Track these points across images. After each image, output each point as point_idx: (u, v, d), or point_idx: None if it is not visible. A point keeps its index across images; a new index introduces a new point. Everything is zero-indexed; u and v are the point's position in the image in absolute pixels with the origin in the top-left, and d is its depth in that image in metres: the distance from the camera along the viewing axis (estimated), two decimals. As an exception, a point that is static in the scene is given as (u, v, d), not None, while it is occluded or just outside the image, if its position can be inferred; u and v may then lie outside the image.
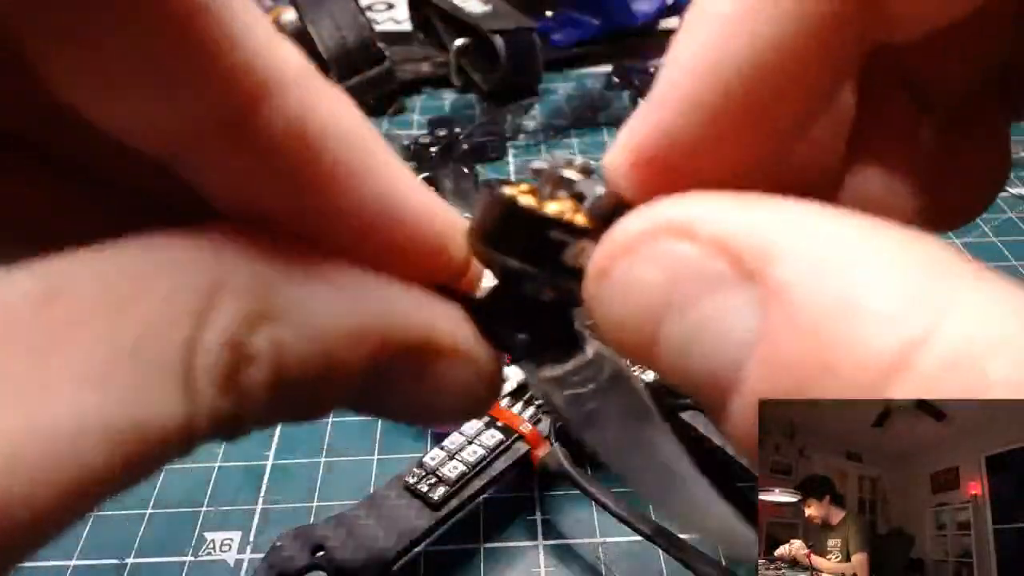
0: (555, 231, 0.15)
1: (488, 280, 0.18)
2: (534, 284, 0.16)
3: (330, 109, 0.14)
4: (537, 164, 0.16)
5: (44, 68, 0.13)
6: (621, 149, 0.16)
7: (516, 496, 0.37)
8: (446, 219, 0.16)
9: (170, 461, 0.13)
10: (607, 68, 0.72)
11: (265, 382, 0.13)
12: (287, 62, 0.14)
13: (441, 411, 0.17)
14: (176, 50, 0.12)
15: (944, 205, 0.23)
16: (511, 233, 0.16)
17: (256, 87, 0.13)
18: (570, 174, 0.16)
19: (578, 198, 0.16)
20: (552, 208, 0.16)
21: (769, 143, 0.16)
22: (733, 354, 0.12)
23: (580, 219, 0.15)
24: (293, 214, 0.15)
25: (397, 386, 0.16)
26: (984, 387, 0.10)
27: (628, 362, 0.16)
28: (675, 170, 0.15)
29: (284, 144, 0.14)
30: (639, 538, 0.31)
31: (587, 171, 0.16)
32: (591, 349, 0.17)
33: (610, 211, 0.15)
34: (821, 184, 0.19)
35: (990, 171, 0.22)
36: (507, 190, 0.16)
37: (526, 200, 0.16)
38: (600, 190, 0.16)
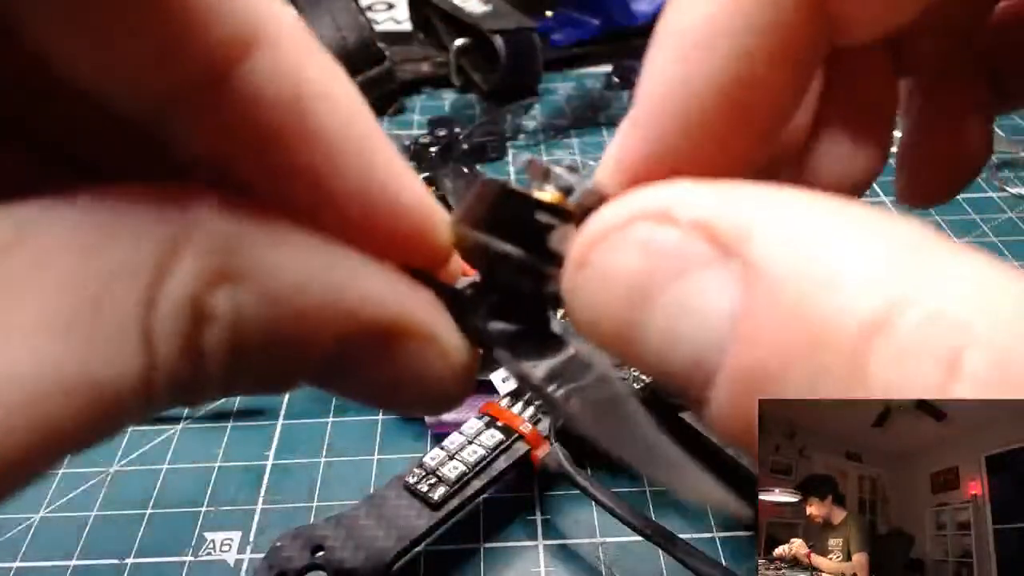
0: (542, 213, 0.15)
1: (466, 280, 0.18)
2: (516, 270, 0.16)
3: (320, 72, 0.14)
4: (528, 156, 0.17)
5: (12, 14, 0.12)
6: (611, 169, 0.16)
7: (516, 496, 0.37)
8: (430, 203, 0.16)
9: (130, 422, 0.12)
10: (607, 68, 0.72)
11: (224, 344, 0.13)
12: (279, 19, 0.13)
13: (406, 398, 0.17)
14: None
15: (921, 180, 0.23)
16: (499, 212, 0.16)
17: (243, 38, 0.13)
18: (558, 169, 0.16)
19: (565, 191, 0.16)
20: (540, 195, 0.16)
21: (750, 143, 0.16)
22: (715, 333, 0.12)
23: (567, 207, 0.16)
24: (272, 177, 0.14)
25: (363, 366, 0.15)
26: (968, 344, 0.10)
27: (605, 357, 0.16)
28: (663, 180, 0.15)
29: (269, 100, 0.13)
30: (639, 538, 0.30)
31: (574, 169, 0.16)
32: (571, 349, 0.17)
33: (595, 207, 0.15)
34: (787, 155, 0.20)
35: (967, 151, 0.23)
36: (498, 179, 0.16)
37: (516, 184, 0.16)
38: (588, 183, 0.16)
